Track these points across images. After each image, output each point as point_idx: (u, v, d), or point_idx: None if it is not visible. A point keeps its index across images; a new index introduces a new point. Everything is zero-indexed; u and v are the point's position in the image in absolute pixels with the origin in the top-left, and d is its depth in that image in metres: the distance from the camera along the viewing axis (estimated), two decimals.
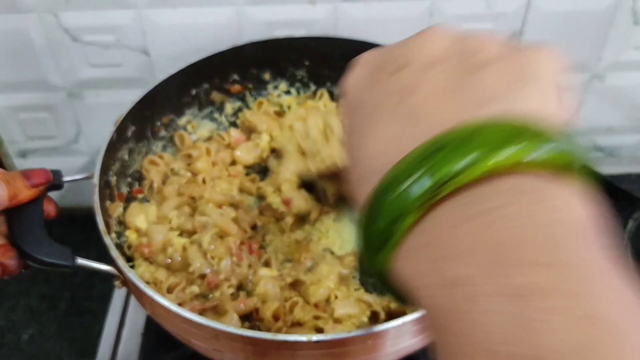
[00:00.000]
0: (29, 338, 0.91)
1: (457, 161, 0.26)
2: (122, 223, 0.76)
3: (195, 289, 0.69)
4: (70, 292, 0.96)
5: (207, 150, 0.84)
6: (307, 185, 0.79)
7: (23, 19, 0.84)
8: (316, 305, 0.68)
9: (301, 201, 0.77)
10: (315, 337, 0.53)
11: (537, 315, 0.23)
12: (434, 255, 0.27)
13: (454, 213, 0.27)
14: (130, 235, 0.75)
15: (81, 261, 0.57)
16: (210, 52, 0.83)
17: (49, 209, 0.61)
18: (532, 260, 0.24)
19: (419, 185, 0.27)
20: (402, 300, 0.33)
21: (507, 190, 0.27)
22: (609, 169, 0.97)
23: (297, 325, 0.67)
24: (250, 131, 0.88)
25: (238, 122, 0.91)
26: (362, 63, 0.35)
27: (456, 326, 0.25)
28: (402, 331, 0.57)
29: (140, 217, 0.75)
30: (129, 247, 0.74)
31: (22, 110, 0.95)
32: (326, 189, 0.76)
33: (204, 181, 0.80)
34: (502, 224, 0.26)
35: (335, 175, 0.76)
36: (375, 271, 0.31)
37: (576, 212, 0.27)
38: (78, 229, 0.79)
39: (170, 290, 0.69)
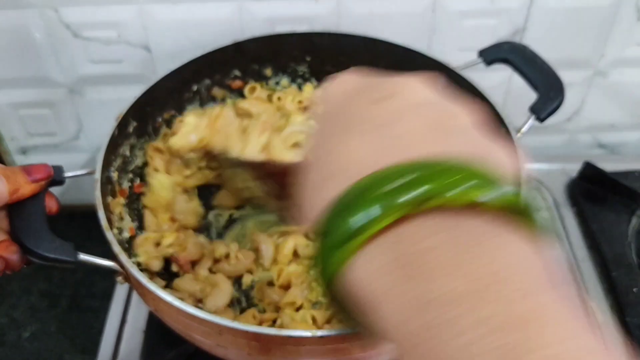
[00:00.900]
0: (30, 336, 0.91)
1: (434, 183, 0.28)
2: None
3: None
4: (71, 289, 0.96)
5: None
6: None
7: (23, 14, 0.84)
8: None
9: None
10: (320, 332, 0.53)
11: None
12: (405, 270, 0.27)
13: (425, 230, 0.28)
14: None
15: (83, 257, 0.57)
16: (211, 48, 0.83)
17: (51, 205, 0.60)
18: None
19: (403, 191, 0.28)
20: (347, 318, 0.33)
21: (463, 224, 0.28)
22: (612, 166, 0.96)
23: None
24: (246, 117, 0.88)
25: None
26: (347, 80, 0.36)
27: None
28: None
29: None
30: (129, 241, 0.74)
31: (23, 106, 0.95)
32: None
33: None
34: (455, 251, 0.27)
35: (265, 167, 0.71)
36: (327, 271, 0.30)
37: (520, 252, 0.28)
38: (79, 225, 0.79)
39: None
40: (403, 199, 0.28)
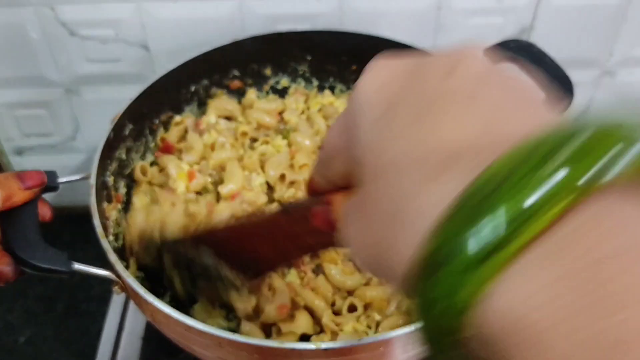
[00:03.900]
0: (25, 340, 0.89)
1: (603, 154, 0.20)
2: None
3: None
4: (68, 293, 0.94)
5: None
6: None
7: (19, 12, 0.82)
8: None
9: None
10: (324, 345, 0.51)
11: None
12: (578, 293, 0.19)
13: (598, 226, 0.20)
14: None
15: (78, 266, 0.55)
16: (210, 47, 0.81)
17: (44, 212, 0.58)
18: None
19: (557, 175, 0.20)
20: None
21: None
22: None
23: None
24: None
25: None
26: (384, 66, 0.28)
27: None
28: (414, 338, 0.55)
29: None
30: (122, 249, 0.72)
31: (18, 106, 0.93)
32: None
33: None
34: None
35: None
36: (456, 302, 0.21)
37: None
38: (76, 228, 0.77)
39: None
40: (569, 180, 0.20)
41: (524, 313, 0.19)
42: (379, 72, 0.28)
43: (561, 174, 0.20)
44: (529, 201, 0.20)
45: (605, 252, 0.19)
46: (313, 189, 0.34)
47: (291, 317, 0.67)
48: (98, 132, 0.71)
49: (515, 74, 0.27)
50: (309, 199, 0.35)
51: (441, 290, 0.21)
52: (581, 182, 0.20)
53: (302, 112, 0.88)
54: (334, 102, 0.88)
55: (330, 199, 0.32)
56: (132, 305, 0.83)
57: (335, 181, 0.31)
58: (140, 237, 0.66)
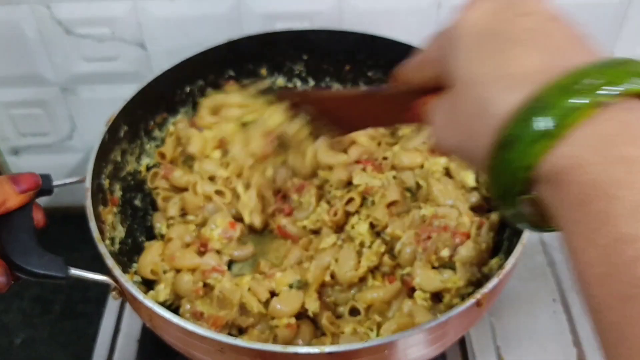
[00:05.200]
0: (21, 342, 0.88)
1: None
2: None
3: None
4: (64, 295, 0.94)
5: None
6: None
7: (15, 10, 0.81)
8: None
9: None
10: (328, 349, 0.50)
11: None
12: (614, 140, 0.30)
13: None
14: None
15: (74, 271, 0.54)
16: (206, 46, 0.80)
17: (38, 218, 0.57)
18: None
19: (607, 86, 0.31)
20: (538, 222, 0.36)
21: None
22: None
23: None
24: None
25: None
26: (481, 3, 0.37)
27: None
28: (417, 340, 0.55)
29: None
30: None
31: (14, 106, 0.92)
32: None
33: None
34: None
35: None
36: (522, 165, 0.32)
37: None
38: (72, 228, 0.76)
39: None
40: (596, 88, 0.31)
41: (595, 162, 0.30)
42: (475, 7, 0.37)
43: (596, 82, 0.31)
44: (574, 101, 0.31)
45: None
46: (400, 80, 0.44)
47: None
48: (95, 131, 0.70)
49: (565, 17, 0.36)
50: (397, 86, 0.44)
51: (516, 153, 0.32)
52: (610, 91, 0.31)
53: None
54: None
55: (425, 99, 0.41)
56: (128, 307, 0.82)
57: (420, 81, 0.42)
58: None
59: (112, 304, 0.84)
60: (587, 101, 0.30)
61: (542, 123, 0.31)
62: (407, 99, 0.43)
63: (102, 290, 0.87)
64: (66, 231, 0.77)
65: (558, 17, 0.36)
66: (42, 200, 0.59)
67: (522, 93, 0.32)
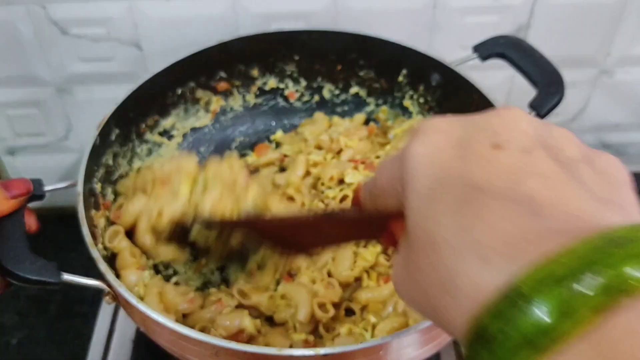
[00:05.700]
0: (17, 342, 0.88)
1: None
2: None
3: None
4: (60, 294, 0.93)
5: None
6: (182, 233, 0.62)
7: (10, 11, 0.81)
8: None
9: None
10: (323, 351, 0.50)
11: None
12: None
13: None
14: None
15: (67, 277, 0.54)
16: (197, 48, 0.80)
17: (30, 223, 0.57)
18: None
19: (594, 282, 0.22)
20: None
21: None
22: None
23: None
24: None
25: None
26: (436, 131, 0.29)
27: None
28: (412, 341, 0.55)
29: None
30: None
31: (10, 106, 0.92)
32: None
33: None
34: None
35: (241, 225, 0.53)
36: None
37: None
38: (66, 229, 0.75)
39: None
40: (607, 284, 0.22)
41: None
42: (430, 137, 0.29)
43: (598, 280, 0.22)
44: (574, 298, 0.22)
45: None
46: (358, 204, 0.36)
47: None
48: (90, 132, 0.70)
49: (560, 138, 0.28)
50: (360, 210, 0.36)
51: (496, 356, 0.23)
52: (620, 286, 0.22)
53: None
54: None
55: (393, 228, 0.34)
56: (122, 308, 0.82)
57: (382, 209, 0.33)
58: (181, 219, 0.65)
59: (107, 305, 0.83)
60: (591, 294, 0.22)
61: (529, 324, 0.22)
62: (378, 221, 0.35)
63: (97, 291, 0.86)
64: (61, 232, 0.77)
65: (532, 147, 0.27)
66: (37, 201, 0.59)
67: (501, 273, 0.24)
